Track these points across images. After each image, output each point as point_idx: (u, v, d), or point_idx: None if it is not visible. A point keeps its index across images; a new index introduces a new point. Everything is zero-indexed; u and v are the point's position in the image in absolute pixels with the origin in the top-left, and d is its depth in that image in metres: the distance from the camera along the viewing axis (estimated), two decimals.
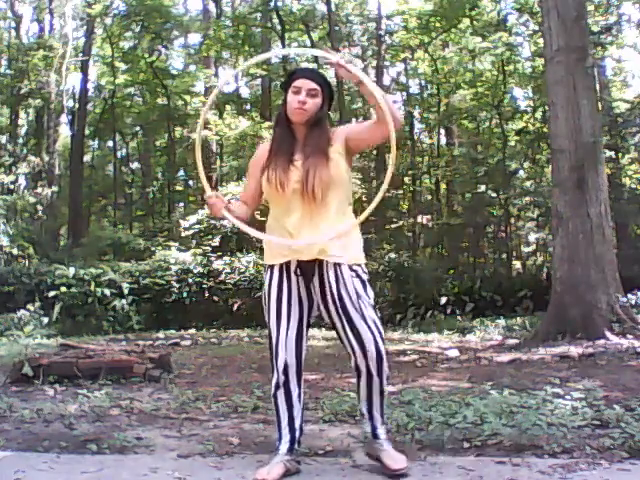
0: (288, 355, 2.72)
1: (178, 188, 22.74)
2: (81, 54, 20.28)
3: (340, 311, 2.71)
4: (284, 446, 2.74)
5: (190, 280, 12.69)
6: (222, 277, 12.71)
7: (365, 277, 2.78)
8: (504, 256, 15.49)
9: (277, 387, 2.75)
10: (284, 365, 2.72)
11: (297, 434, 2.78)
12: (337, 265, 2.72)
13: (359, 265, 2.77)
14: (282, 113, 2.82)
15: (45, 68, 18.75)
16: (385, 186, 2.68)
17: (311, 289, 2.76)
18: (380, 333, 2.71)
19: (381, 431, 2.79)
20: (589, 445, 2.99)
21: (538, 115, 14.97)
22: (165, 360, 5.50)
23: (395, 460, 2.67)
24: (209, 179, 19.08)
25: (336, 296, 2.70)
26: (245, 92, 24.05)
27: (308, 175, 2.70)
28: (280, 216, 2.77)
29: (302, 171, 2.71)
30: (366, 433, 2.85)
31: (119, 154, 23.51)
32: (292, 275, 2.74)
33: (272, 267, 2.78)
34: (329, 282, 2.71)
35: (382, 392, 2.78)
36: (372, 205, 2.67)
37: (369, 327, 2.69)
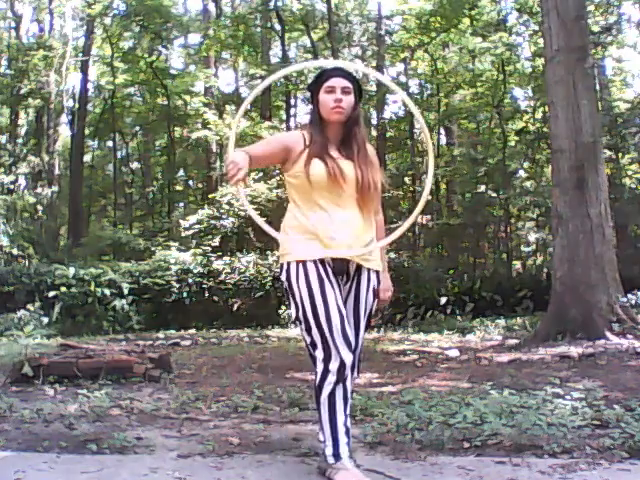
0: (353, 342, 2.62)
1: (178, 188, 22.76)
2: (81, 54, 20.28)
3: (352, 314, 2.71)
4: (345, 448, 2.61)
5: (190, 280, 12.69)
6: (222, 277, 12.71)
7: (377, 286, 2.80)
8: (504, 256, 15.49)
9: (338, 382, 2.59)
10: (350, 360, 2.59)
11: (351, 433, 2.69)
12: (369, 270, 2.75)
13: (377, 272, 2.80)
14: (316, 114, 2.75)
15: (45, 68, 18.74)
16: (424, 199, 2.70)
17: (339, 286, 2.71)
18: (362, 342, 2.74)
19: (344, 449, 2.63)
20: (589, 445, 2.99)
21: (538, 115, 14.98)
22: (165, 360, 5.50)
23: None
24: (209, 178, 19.10)
25: (352, 302, 2.72)
26: (245, 92, 24.05)
27: (363, 172, 2.68)
28: (322, 212, 2.65)
29: (356, 168, 2.69)
30: (348, 445, 2.69)
31: (119, 154, 23.50)
32: (329, 270, 2.65)
33: (304, 263, 2.63)
34: (359, 285, 2.72)
35: (346, 401, 2.65)
36: (410, 219, 2.77)
37: (357, 333, 2.71)
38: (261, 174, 14.21)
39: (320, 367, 2.60)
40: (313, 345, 2.63)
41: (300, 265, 2.64)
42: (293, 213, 2.74)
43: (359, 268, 2.72)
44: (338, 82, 2.71)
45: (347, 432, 2.63)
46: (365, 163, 2.72)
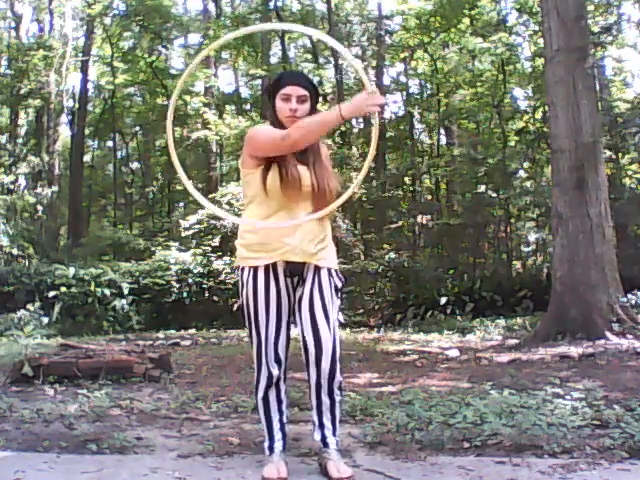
0: (282, 355, 2.76)
1: (178, 188, 22.74)
2: (81, 54, 20.27)
3: (322, 311, 2.74)
4: (279, 444, 2.77)
5: (190, 280, 12.69)
6: (222, 277, 12.71)
7: (340, 285, 2.83)
8: (504, 256, 15.48)
9: (269, 387, 2.76)
10: (279, 364, 2.75)
11: (286, 430, 2.83)
12: (329, 270, 2.79)
13: (337, 271, 2.85)
14: (274, 117, 2.78)
15: (45, 68, 18.72)
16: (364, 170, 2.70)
17: (295, 289, 2.78)
18: (337, 338, 2.78)
19: (331, 440, 2.75)
20: (589, 445, 3.00)
21: (538, 115, 14.97)
22: (165, 360, 5.50)
23: (339, 470, 2.63)
24: (209, 178, 19.09)
25: (318, 298, 2.74)
26: (245, 92, 24.06)
27: (318, 178, 2.72)
28: (275, 214, 2.71)
29: (312, 174, 2.73)
30: (316, 442, 2.80)
31: (119, 154, 23.50)
32: (280, 276, 2.73)
33: (255, 269, 2.73)
34: (320, 284, 2.75)
35: (332, 398, 2.77)
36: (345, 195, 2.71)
37: (330, 330, 2.74)
38: None
39: (255, 371, 2.77)
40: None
41: (251, 271, 2.74)
42: (248, 214, 2.79)
43: (317, 268, 2.76)
44: (294, 90, 2.73)
45: (282, 428, 2.80)
46: (320, 169, 2.76)
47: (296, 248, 2.68)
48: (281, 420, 2.80)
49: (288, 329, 2.78)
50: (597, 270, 7.29)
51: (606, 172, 8.61)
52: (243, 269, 2.77)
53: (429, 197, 19.11)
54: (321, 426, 2.77)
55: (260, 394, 2.78)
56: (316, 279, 2.76)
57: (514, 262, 15.99)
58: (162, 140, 23.21)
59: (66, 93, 20.00)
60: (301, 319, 2.75)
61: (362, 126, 21.65)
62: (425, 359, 6.52)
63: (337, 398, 2.79)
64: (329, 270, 2.79)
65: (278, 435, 2.78)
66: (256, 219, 2.74)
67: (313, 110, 2.78)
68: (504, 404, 3.59)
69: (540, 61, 13.97)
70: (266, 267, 2.72)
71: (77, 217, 19.42)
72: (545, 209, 13.06)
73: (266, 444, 2.79)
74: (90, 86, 21.77)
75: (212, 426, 3.65)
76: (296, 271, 2.74)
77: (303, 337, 2.76)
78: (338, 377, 2.77)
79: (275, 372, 2.74)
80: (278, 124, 2.76)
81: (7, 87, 19.10)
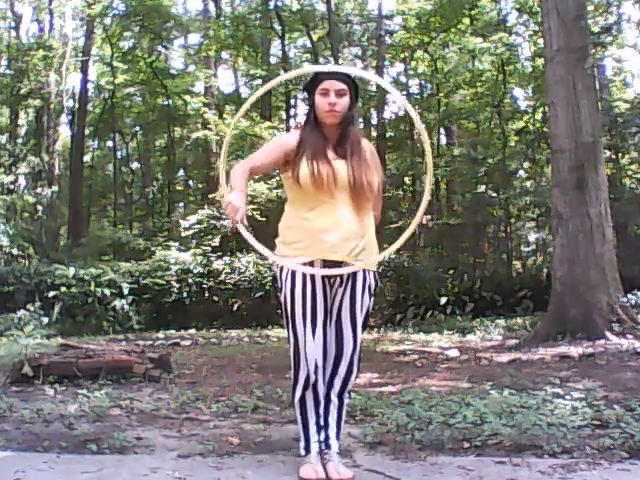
0: (318, 356, 2.69)
1: (178, 188, 22.74)
2: (81, 54, 20.26)
3: (348, 314, 2.74)
4: (315, 445, 2.72)
5: (190, 280, 12.69)
6: (222, 277, 12.72)
7: (374, 285, 2.82)
8: (504, 256, 15.48)
9: (306, 388, 2.70)
10: (315, 366, 2.68)
11: (324, 433, 2.75)
12: (365, 271, 2.76)
13: (375, 272, 2.83)
14: (311, 115, 2.77)
15: (45, 68, 18.72)
16: (421, 212, 2.81)
17: (332, 288, 2.74)
18: (359, 343, 2.79)
19: (333, 443, 2.74)
20: (589, 445, 3.00)
21: (538, 115, 14.97)
22: (165, 360, 5.50)
23: (339, 472, 2.62)
24: (209, 178, 19.09)
25: (349, 301, 2.74)
26: (245, 92, 24.04)
27: (355, 172, 2.69)
28: (314, 210, 2.68)
29: (348, 168, 2.70)
30: (319, 442, 2.77)
31: (119, 154, 23.49)
32: (317, 275, 2.68)
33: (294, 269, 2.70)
34: (354, 285, 2.74)
35: (341, 399, 2.77)
36: (407, 232, 2.79)
37: (353, 334, 2.75)
38: None
39: (292, 371, 2.73)
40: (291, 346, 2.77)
41: (290, 271, 2.71)
42: (288, 214, 2.79)
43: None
44: (332, 85, 2.71)
45: (319, 430, 2.74)
46: (359, 163, 2.73)
47: (334, 247, 2.64)
48: (318, 423, 2.73)
49: (324, 329, 2.72)
50: (597, 270, 7.29)
51: (606, 172, 8.61)
52: (282, 268, 2.74)
53: (429, 198, 19.10)
54: (326, 425, 2.76)
55: (298, 395, 2.72)
56: (350, 281, 2.73)
57: (514, 262, 15.99)
58: (162, 140, 23.23)
59: (66, 93, 20.00)
60: (329, 319, 2.75)
61: (362, 126, 21.65)
62: (425, 359, 6.52)
63: (345, 400, 2.80)
64: (365, 271, 2.75)
65: (315, 437, 2.73)
66: (296, 217, 2.73)
67: (353, 104, 2.76)
68: (504, 404, 3.59)
69: (540, 61, 13.96)
70: (303, 265, 2.68)
71: (77, 217, 19.41)
72: (545, 209, 13.06)
73: (302, 444, 2.75)
74: (90, 86, 21.77)
75: (212, 426, 3.65)
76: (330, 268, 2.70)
77: (325, 336, 2.76)
78: (352, 381, 2.78)
79: (312, 372, 2.68)
80: (314, 121, 2.76)
81: (7, 87, 19.09)
